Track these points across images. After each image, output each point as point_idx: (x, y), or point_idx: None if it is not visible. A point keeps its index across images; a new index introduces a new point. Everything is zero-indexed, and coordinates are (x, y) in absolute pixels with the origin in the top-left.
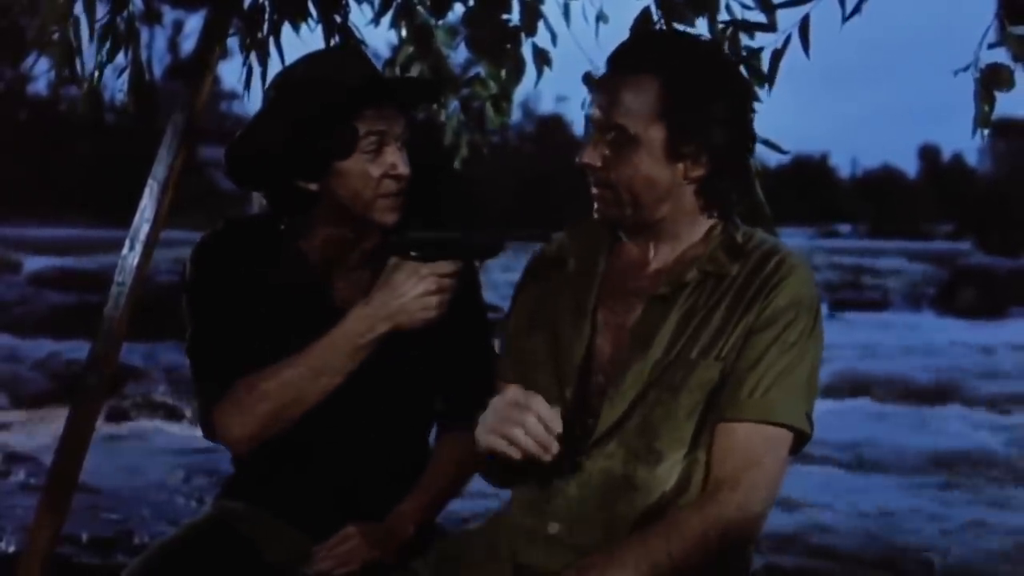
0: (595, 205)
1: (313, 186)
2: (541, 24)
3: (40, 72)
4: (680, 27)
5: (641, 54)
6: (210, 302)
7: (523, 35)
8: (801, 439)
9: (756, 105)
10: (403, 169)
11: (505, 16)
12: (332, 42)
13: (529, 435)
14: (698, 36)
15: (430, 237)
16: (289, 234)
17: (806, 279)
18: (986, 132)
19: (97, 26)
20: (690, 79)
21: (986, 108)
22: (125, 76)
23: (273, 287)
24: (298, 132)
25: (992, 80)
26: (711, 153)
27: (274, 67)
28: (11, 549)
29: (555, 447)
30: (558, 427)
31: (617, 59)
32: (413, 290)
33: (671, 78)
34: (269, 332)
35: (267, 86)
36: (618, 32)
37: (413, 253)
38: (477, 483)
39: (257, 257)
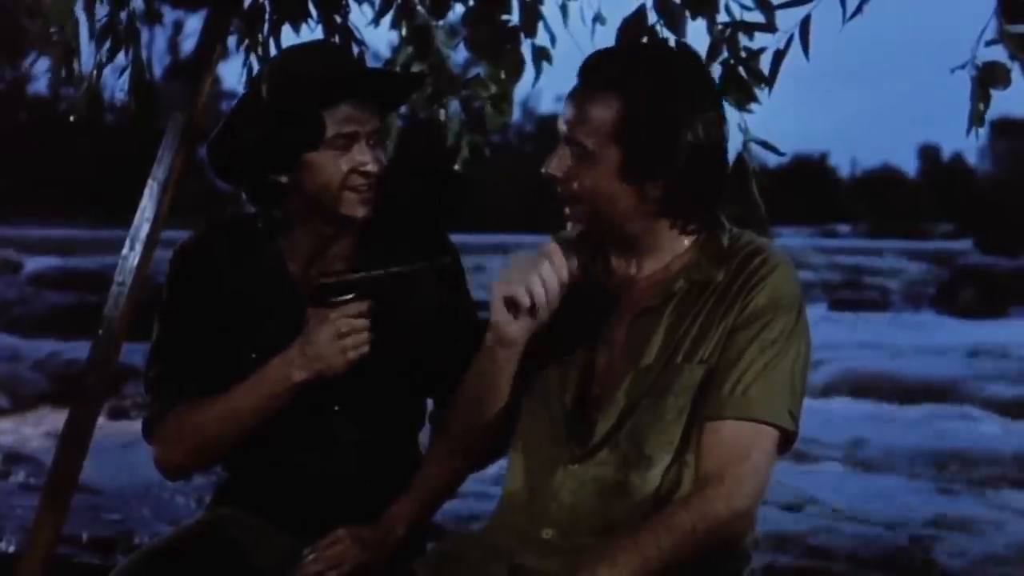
0: (568, 221)
1: (284, 178)
2: (540, 25)
3: (40, 72)
4: (678, 30)
5: (607, 70)
6: (176, 315)
7: (522, 35)
8: (787, 437)
9: (755, 106)
10: (372, 166)
11: (505, 16)
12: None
13: (543, 281)
14: (673, 52)
15: (340, 281)
16: (267, 232)
17: (787, 278)
18: (980, 130)
19: (97, 26)
20: (650, 102)
21: (981, 106)
22: (125, 76)
23: (249, 288)
24: (267, 123)
25: (989, 78)
26: (669, 177)
27: None
28: (11, 549)
29: (557, 300)
30: (565, 276)
31: (586, 71)
32: (324, 336)
33: (631, 99)
34: (239, 336)
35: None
36: (615, 33)
37: (331, 299)
38: (476, 483)
39: (234, 258)
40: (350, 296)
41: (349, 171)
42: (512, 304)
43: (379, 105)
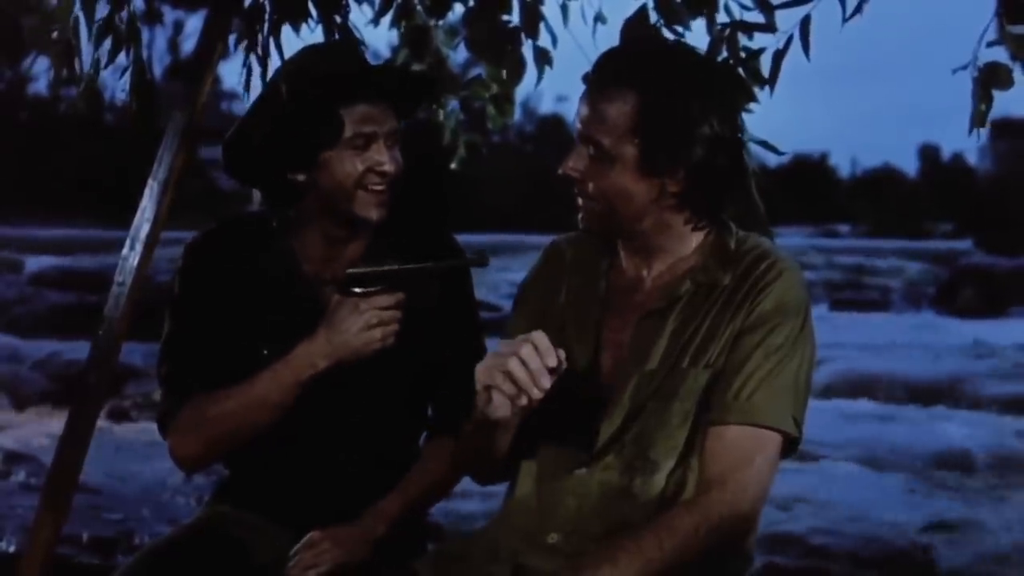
0: (580, 215)
1: (301, 177)
2: (542, 25)
3: (40, 72)
4: (678, 29)
5: (621, 66)
6: (188, 310)
7: (523, 36)
8: (791, 441)
9: (755, 106)
10: (389, 166)
11: (505, 17)
12: None
13: (523, 363)
14: (686, 48)
15: (369, 272)
16: (280, 231)
17: (794, 283)
18: (982, 131)
19: (95, 25)
20: (668, 97)
21: (983, 107)
22: (126, 76)
23: (261, 285)
24: (285, 121)
25: (990, 79)
26: (688, 170)
27: (274, 67)
28: (11, 549)
29: (545, 381)
30: (552, 360)
31: (600, 69)
32: (354, 325)
33: (648, 95)
34: (251, 333)
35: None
36: (617, 33)
37: (356, 289)
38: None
39: (247, 256)
40: (379, 287)
41: (366, 170)
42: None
43: (396, 107)
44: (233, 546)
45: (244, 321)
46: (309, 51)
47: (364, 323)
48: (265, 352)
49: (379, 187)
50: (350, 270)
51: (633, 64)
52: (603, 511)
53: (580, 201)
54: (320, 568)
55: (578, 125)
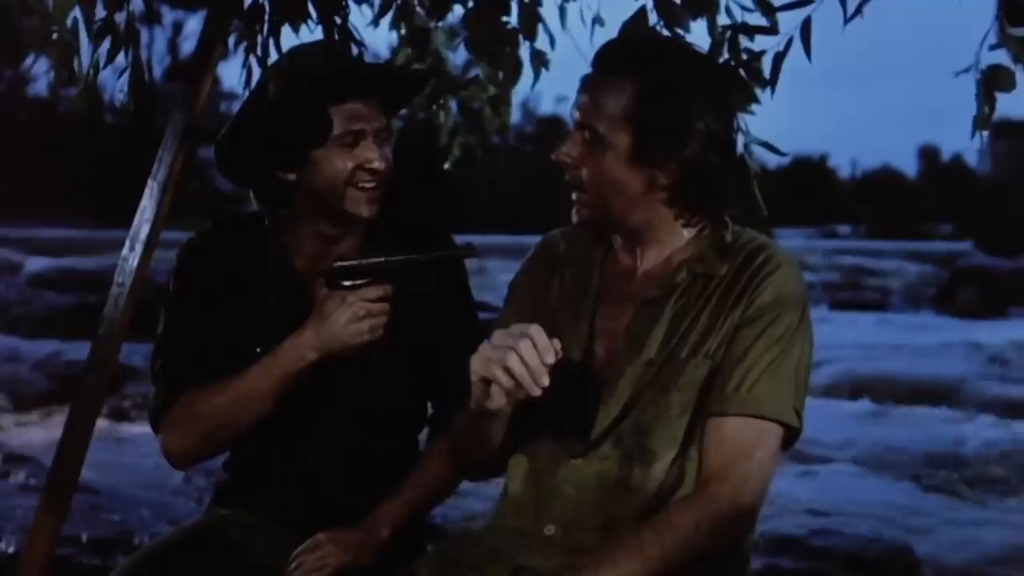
0: (573, 208)
1: (291, 176)
2: (540, 26)
3: (40, 72)
4: (678, 31)
5: (622, 57)
6: (182, 308)
7: (521, 37)
8: (791, 434)
9: (756, 107)
10: (378, 164)
11: (504, 18)
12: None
13: (522, 360)
14: (686, 44)
15: (356, 265)
16: (274, 230)
17: (792, 275)
18: (985, 134)
19: (95, 26)
20: (664, 89)
21: (986, 110)
22: (125, 76)
23: (255, 283)
24: (275, 120)
25: (993, 82)
26: (680, 163)
27: None
28: (11, 549)
29: (544, 379)
30: (551, 357)
31: (599, 58)
32: (341, 317)
33: (645, 85)
34: (243, 330)
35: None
36: (615, 34)
37: (344, 283)
38: (478, 483)
39: (241, 255)
40: (366, 280)
41: (355, 168)
42: (489, 384)
43: (386, 104)
44: (230, 547)
45: (238, 319)
46: (297, 50)
47: (351, 315)
48: (259, 349)
49: (369, 184)
50: (336, 263)
51: (633, 55)
52: (601, 502)
53: (574, 193)
54: (323, 572)
55: (575, 113)
